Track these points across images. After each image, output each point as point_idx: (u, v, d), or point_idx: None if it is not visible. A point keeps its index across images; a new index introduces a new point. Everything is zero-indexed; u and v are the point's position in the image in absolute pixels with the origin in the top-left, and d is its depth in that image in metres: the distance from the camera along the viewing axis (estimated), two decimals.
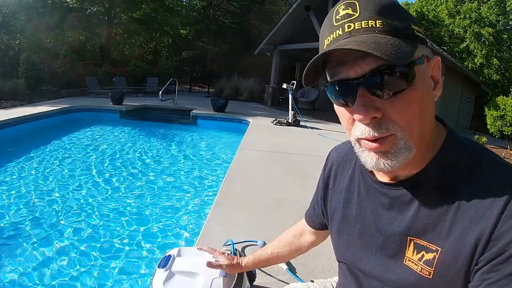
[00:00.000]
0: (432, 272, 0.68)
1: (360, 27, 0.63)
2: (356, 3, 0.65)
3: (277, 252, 1.27)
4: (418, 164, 0.72)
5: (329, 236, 1.15)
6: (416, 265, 0.71)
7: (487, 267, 0.61)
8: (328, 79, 0.72)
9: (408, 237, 0.73)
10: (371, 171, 0.83)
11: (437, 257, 0.68)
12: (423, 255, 0.70)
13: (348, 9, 0.65)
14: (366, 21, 0.63)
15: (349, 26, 0.64)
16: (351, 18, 0.64)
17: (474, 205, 0.64)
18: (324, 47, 0.67)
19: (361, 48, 0.58)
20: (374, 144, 0.67)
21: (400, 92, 0.63)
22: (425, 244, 0.70)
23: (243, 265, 1.32)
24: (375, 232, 0.81)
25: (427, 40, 0.68)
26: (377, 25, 0.62)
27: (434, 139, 0.73)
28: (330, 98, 0.72)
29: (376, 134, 0.66)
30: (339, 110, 0.73)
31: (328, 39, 0.67)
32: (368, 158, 0.70)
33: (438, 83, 0.72)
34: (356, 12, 0.64)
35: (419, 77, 0.65)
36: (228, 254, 1.38)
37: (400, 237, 0.75)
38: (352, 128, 0.71)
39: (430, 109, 0.69)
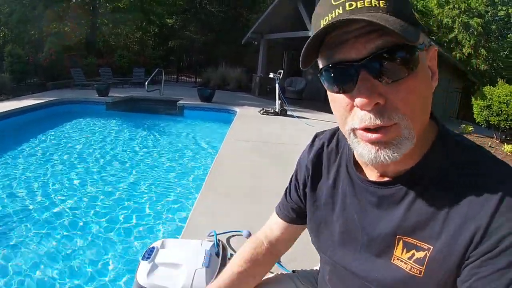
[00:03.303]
0: (422, 270, 0.66)
1: (363, 6, 0.58)
2: None
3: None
4: (409, 160, 0.69)
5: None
6: (406, 263, 0.69)
7: (478, 262, 0.60)
8: (321, 65, 0.67)
9: (397, 236, 0.71)
10: (358, 166, 0.81)
11: (428, 255, 0.66)
12: (413, 254, 0.68)
13: None
14: (368, 0, 0.58)
15: (350, 5, 0.58)
16: None
17: (467, 203, 0.63)
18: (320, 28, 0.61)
19: (374, 20, 0.54)
20: (375, 135, 0.62)
21: (404, 78, 0.60)
22: (415, 243, 0.68)
23: None
24: (360, 230, 0.78)
25: (426, 29, 0.65)
26: (381, 5, 0.58)
27: (426, 134, 0.70)
28: (324, 85, 0.67)
29: (378, 122, 0.61)
30: (335, 97, 0.67)
31: (326, 19, 0.61)
32: (366, 150, 0.65)
33: (435, 74, 0.68)
34: None
35: (421, 65, 0.62)
36: None
37: (388, 235, 0.72)
38: (349, 117, 0.65)
39: (430, 99, 0.67)
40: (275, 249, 1.10)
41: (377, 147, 0.63)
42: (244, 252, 1.07)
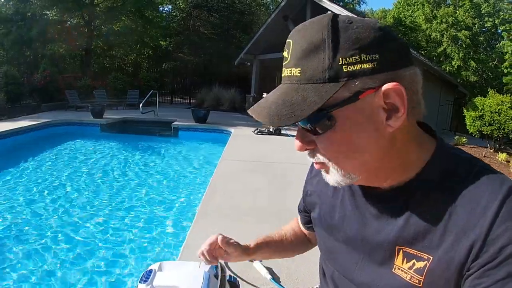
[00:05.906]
0: (422, 280, 0.68)
1: (286, 75, 0.68)
2: (291, 42, 0.67)
3: (284, 246, 1.24)
4: (407, 173, 0.72)
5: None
6: (406, 273, 0.70)
7: (479, 273, 0.61)
8: None
9: (397, 246, 0.72)
10: None
11: (428, 265, 0.67)
12: (413, 264, 0.69)
13: (285, 51, 0.68)
14: (290, 69, 0.66)
15: (284, 71, 0.68)
16: (285, 63, 0.68)
17: (466, 214, 0.64)
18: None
19: (259, 118, 0.66)
20: (317, 165, 0.74)
21: (320, 134, 0.67)
22: (415, 253, 0.69)
23: (250, 252, 1.20)
24: (361, 240, 0.81)
25: (376, 67, 0.62)
26: (296, 74, 0.65)
27: (414, 154, 0.72)
28: None
29: (312, 160, 0.74)
30: None
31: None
32: (323, 174, 0.76)
33: (397, 111, 0.65)
34: (288, 56, 0.67)
35: (345, 118, 0.64)
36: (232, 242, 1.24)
37: (389, 246, 0.74)
38: None
39: (374, 143, 0.67)
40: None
41: (324, 173, 0.75)
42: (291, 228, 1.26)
